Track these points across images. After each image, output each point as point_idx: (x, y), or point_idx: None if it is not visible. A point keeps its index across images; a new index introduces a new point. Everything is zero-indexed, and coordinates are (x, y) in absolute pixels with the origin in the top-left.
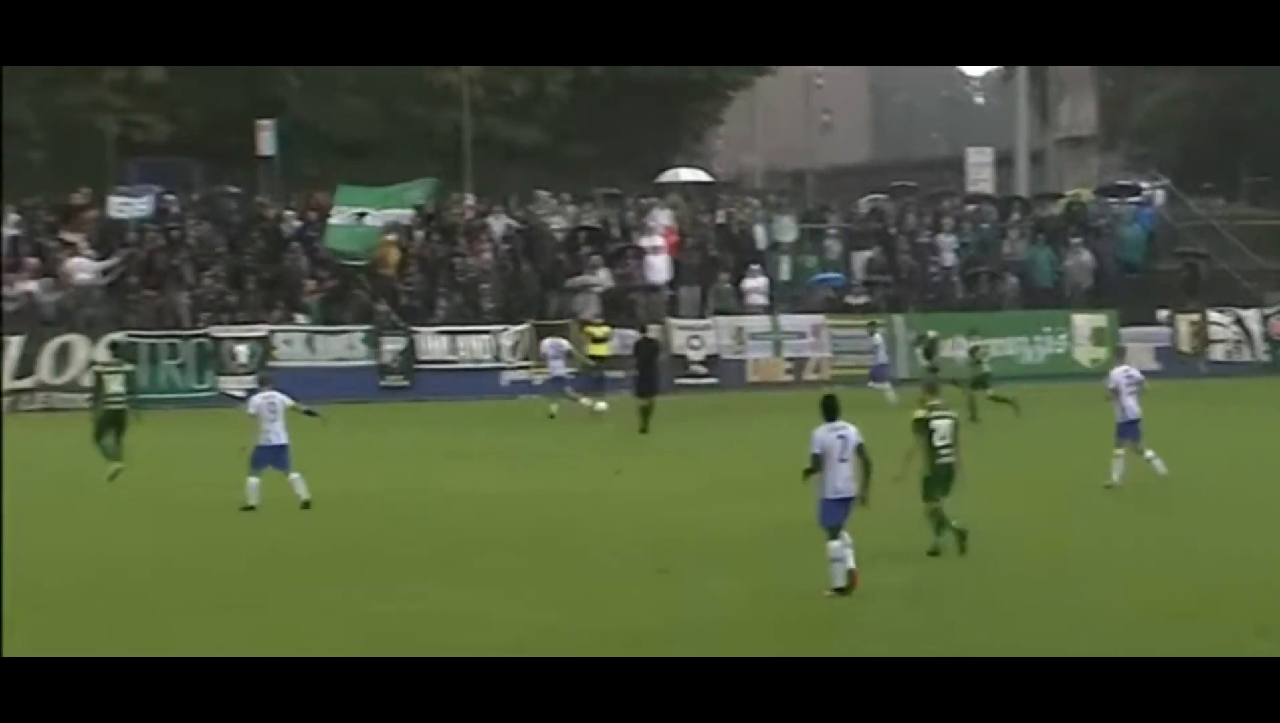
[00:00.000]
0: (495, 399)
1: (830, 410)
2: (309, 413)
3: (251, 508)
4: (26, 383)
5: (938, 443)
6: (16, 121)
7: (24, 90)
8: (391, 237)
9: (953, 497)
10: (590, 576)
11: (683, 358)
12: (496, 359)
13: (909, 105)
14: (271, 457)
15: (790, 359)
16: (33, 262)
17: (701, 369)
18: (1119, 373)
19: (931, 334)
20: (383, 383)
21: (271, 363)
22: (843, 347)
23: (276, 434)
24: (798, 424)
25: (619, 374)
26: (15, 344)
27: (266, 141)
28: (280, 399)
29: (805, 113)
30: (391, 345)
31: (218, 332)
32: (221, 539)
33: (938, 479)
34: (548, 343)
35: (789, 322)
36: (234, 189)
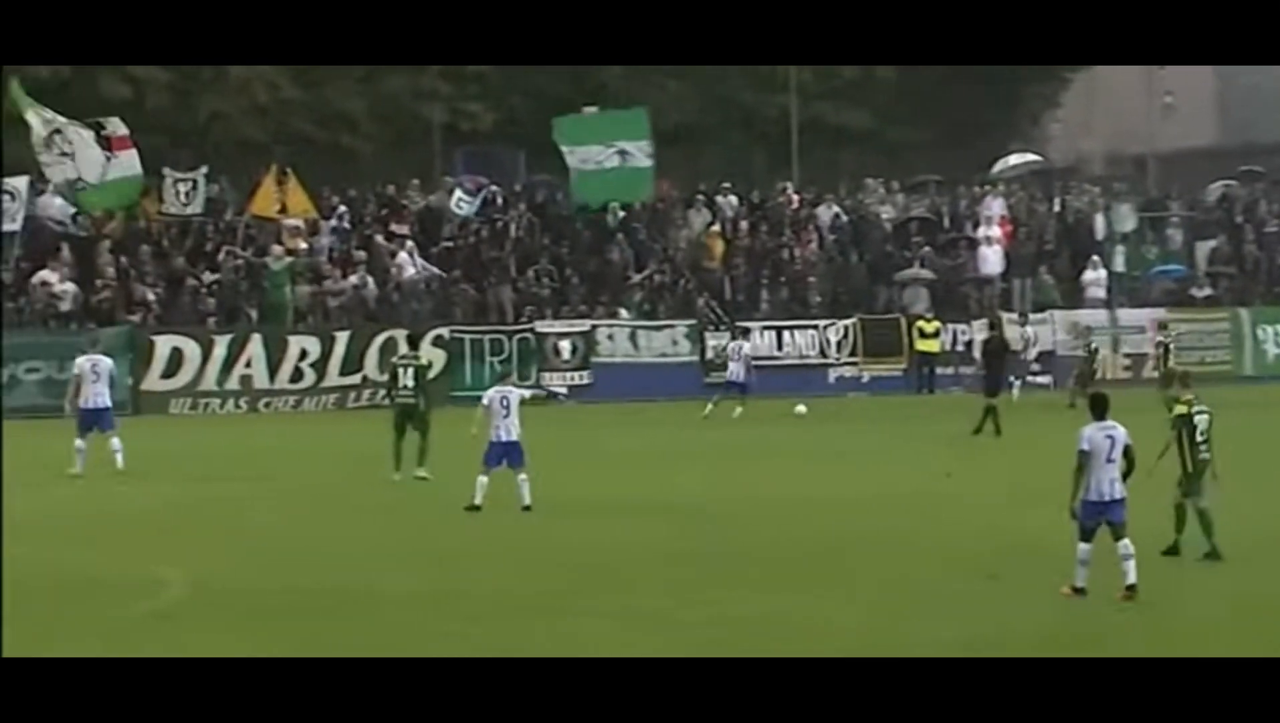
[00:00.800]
0: (822, 396)
1: (1100, 408)
2: (550, 395)
3: (477, 508)
4: (354, 379)
5: (1199, 439)
6: (345, 111)
7: (351, 79)
8: (715, 228)
9: (1209, 495)
10: (919, 579)
11: (1015, 354)
12: (823, 355)
13: (1256, 86)
14: (503, 452)
15: (1129, 355)
16: (360, 255)
17: (1035, 366)
18: None
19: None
20: (707, 380)
21: (595, 359)
22: (1185, 343)
23: (507, 431)
24: (1135, 426)
25: (948, 371)
26: (341, 340)
27: None
28: (515, 394)
29: (1146, 95)
30: (715, 341)
31: (541, 327)
32: (539, 541)
33: (1196, 475)
34: (733, 346)
35: (1127, 316)
36: (552, 178)
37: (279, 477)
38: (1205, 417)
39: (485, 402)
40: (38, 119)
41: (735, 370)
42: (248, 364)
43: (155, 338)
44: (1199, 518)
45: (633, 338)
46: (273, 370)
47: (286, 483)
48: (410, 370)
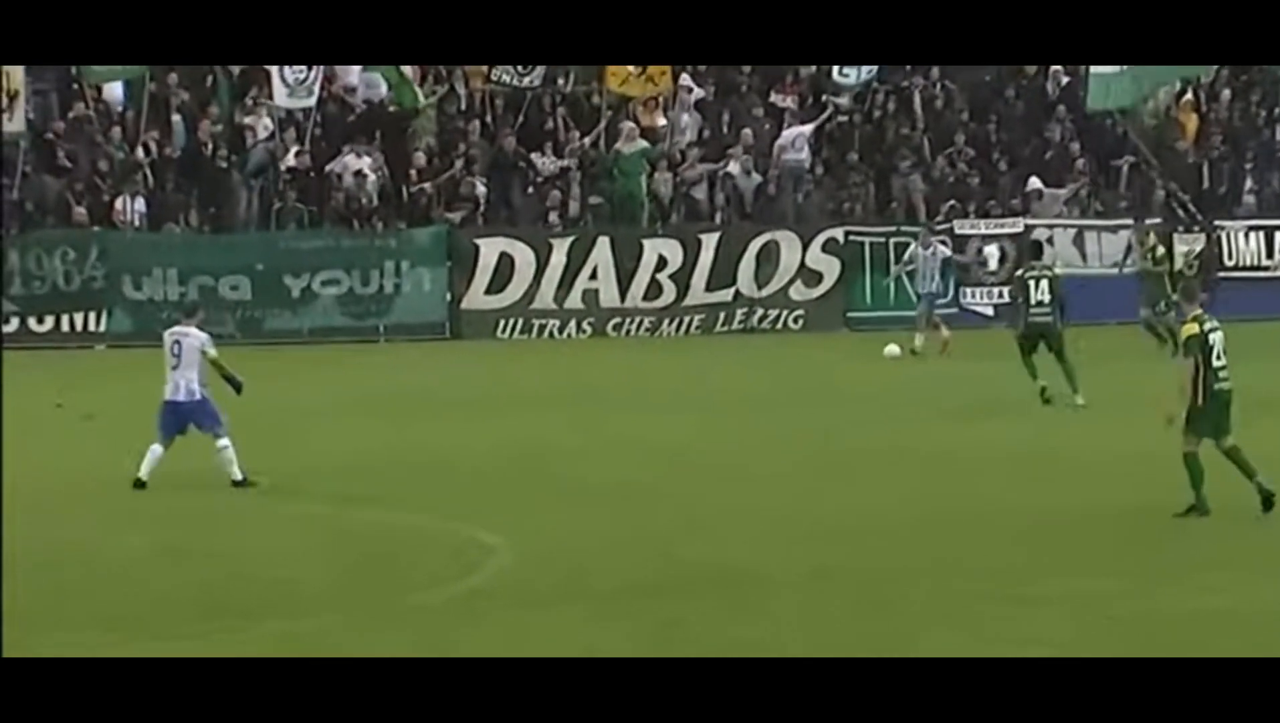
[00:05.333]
0: None
1: None
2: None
3: None
4: (724, 295)
5: (1215, 363)
6: None
7: None
8: (1188, 97)
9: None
10: None
11: None
12: None
13: None
14: None
15: None
16: (730, 136)
17: None
18: None
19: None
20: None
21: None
22: None
23: None
24: None
25: None
26: (709, 245)
27: None
28: None
29: None
30: (1183, 246)
31: (962, 228)
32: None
33: (1211, 411)
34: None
35: None
36: None
37: (627, 422)
38: (1220, 334)
39: None
40: None
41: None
42: (593, 275)
43: (479, 242)
44: (1230, 459)
45: (1079, 242)
46: (623, 284)
47: (636, 430)
48: (1044, 283)
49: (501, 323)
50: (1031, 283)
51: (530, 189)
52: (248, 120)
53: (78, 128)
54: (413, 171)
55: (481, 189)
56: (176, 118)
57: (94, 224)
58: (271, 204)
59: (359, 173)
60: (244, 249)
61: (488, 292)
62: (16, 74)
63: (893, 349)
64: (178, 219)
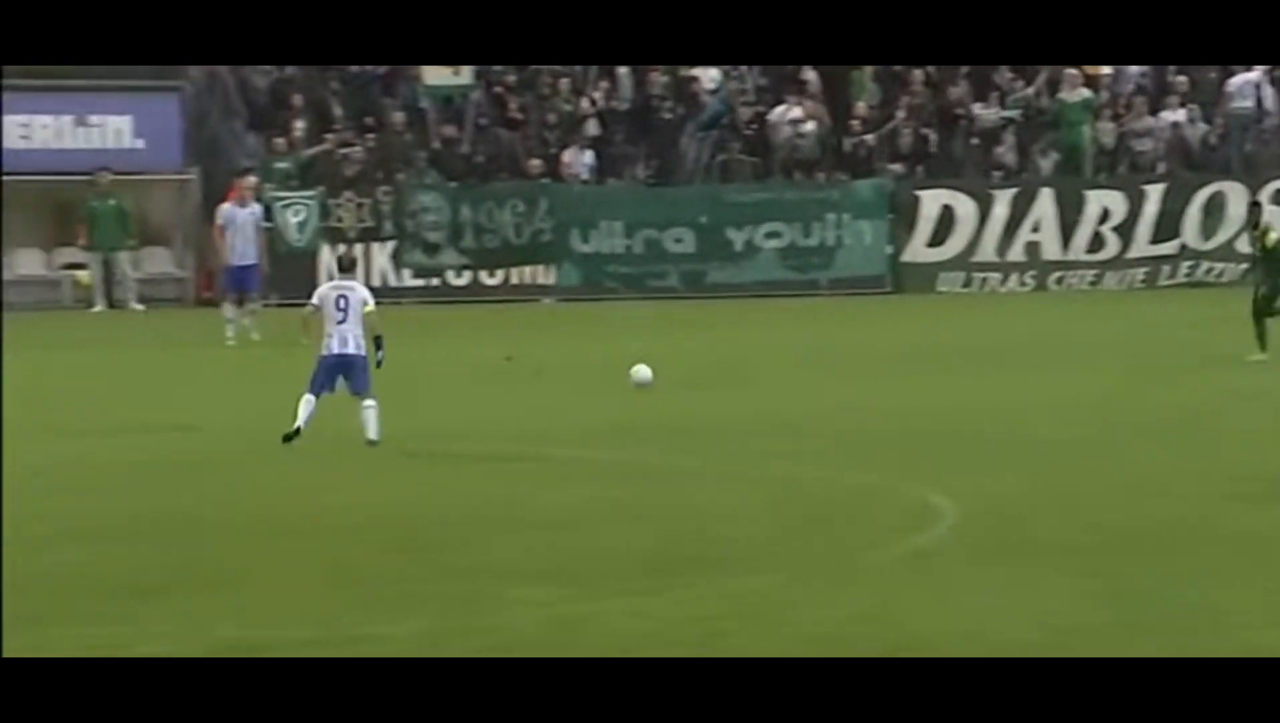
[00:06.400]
0: None
1: None
2: None
3: None
4: (1167, 248)
5: None
6: None
7: None
8: None
9: None
10: None
11: None
12: None
13: None
14: None
15: None
16: (1181, 81)
17: None
18: None
19: None
20: None
21: None
22: None
23: None
24: None
25: None
26: (1153, 197)
27: None
28: None
29: None
30: None
31: None
32: None
33: None
34: None
35: None
36: None
37: (1068, 379)
38: None
39: None
40: None
41: None
42: (1035, 228)
43: (920, 194)
44: None
45: None
46: (1066, 236)
47: (1073, 386)
48: None
49: (942, 276)
50: None
51: (973, 140)
52: (694, 71)
53: (528, 80)
54: (854, 122)
55: (926, 139)
56: (623, 70)
57: (543, 177)
58: (715, 156)
59: (795, 121)
60: (689, 202)
61: (929, 244)
62: None
63: (641, 373)
64: (623, 172)
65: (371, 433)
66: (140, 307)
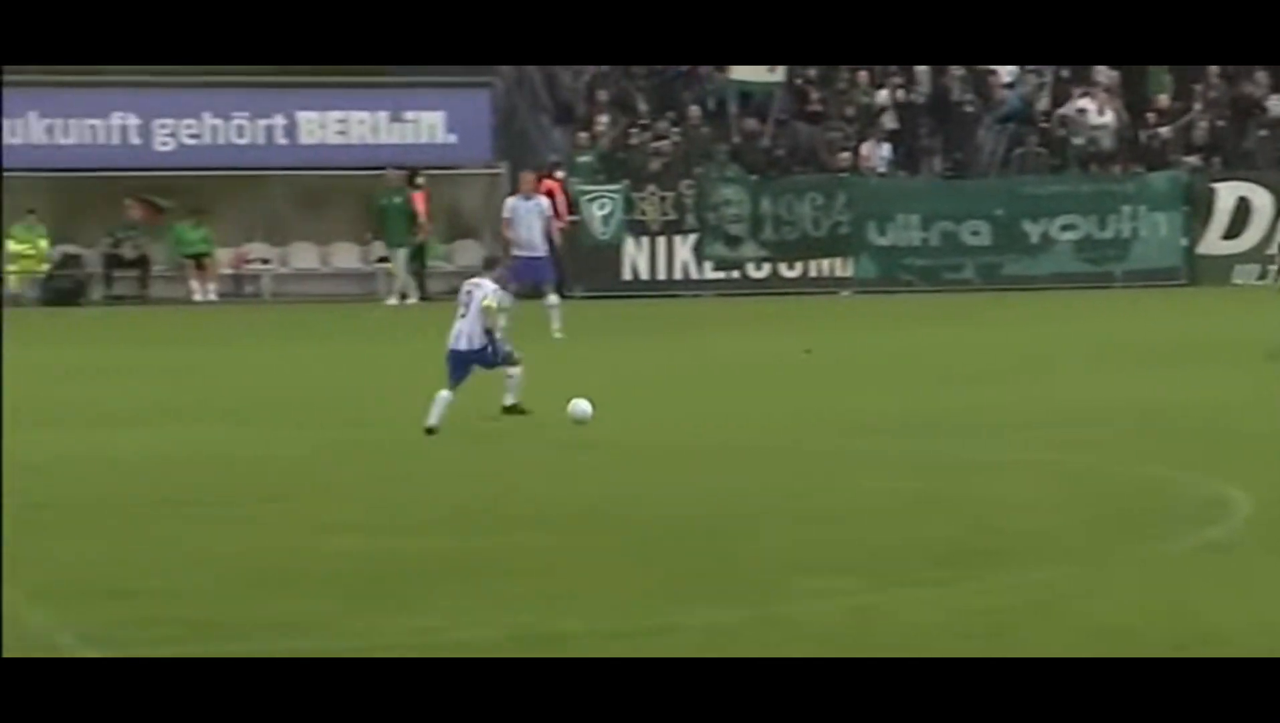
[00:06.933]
0: None
1: None
2: None
3: None
4: None
5: None
6: None
7: None
8: None
9: None
10: None
11: None
12: None
13: None
14: None
15: None
16: None
17: None
18: None
19: None
20: None
21: None
22: None
23: None
24: None
25: None
26: None
27: None
28: None
29: None
30: None
31: None
32: None
33: None
34: None
35: None
36: None
37: None
38: None
39: None
40: None
41: None
42: None
43: (1216, 186)
44: None
45: None
46: None
47: None
48: None
49: (1237, 268)
50: None
51: (1265, 131)
52: (990, 65)
53: (827, 75)
54: (1150, 115)
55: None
56: (922, 66)
57: (842, 171)
58: (1012, 149)
59: (1083, 112)
60: (985, 195)
61: (1224, 236)
62: None
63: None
64: (920, 165)
65: (509, 399)
66: (411, 301)
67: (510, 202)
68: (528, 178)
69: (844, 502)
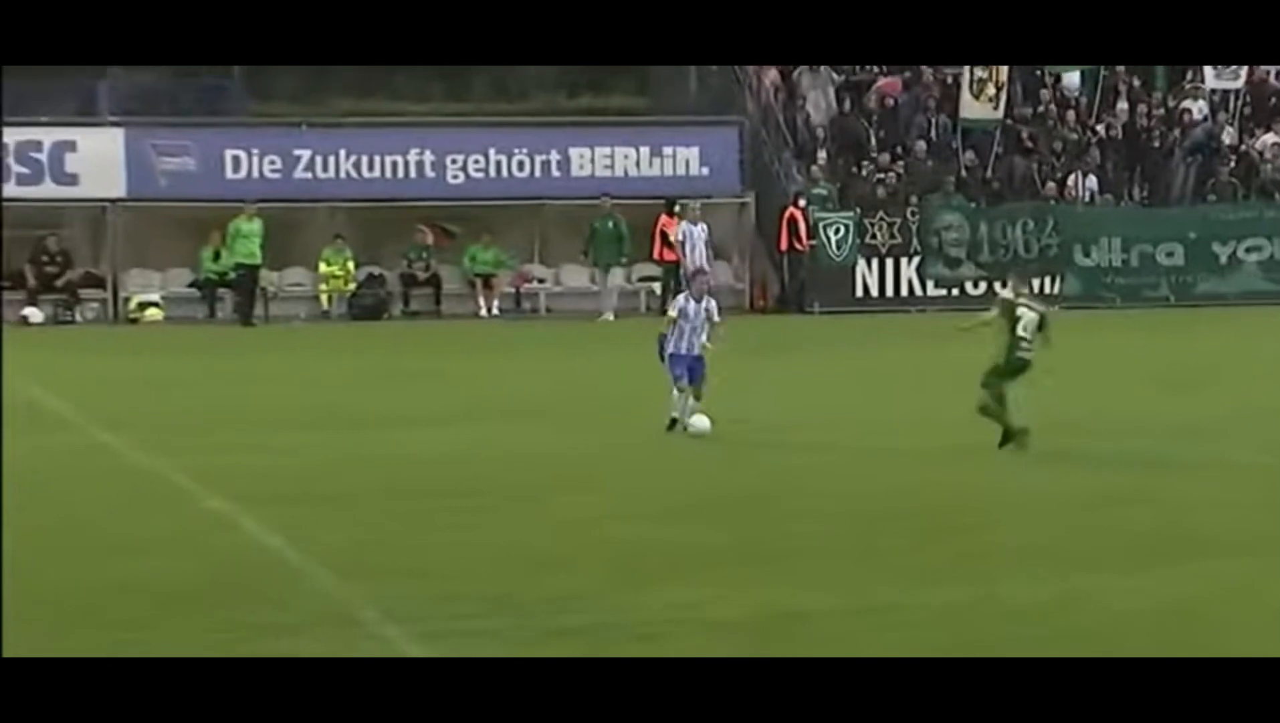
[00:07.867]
0: None
1: None
2: None
3: None
4: None
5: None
6: None
7: None
8: None
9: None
10: None
11: None
12: None
13: None
14: None
15: None
16: None
17: None
18: None
19: None
20: None
21: None
22: None
23: None
24: None
25: None
26: None
27: None
28: None
29: None
30: None
31: None
32: None
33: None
34: None
35: None
36: None
37: None
38: (1033, 316)
39: None
40: None
41: None
42: None
43: None
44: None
45: None
46: None
47: None
48: None
49: None
50: None
51: None
52: (1184, 104)
53: (1041, 113)
54: None
55: None
56: (1123, 105)
57: (1051, 199)
58: (1205, 179)
59: (1276, 144)
60: (1178, 220)
61: None
62: (1001, 71)
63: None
64: (1121, 194)
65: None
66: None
67: (682, 225)
68: (693, 206)
69: (1052, 495)
